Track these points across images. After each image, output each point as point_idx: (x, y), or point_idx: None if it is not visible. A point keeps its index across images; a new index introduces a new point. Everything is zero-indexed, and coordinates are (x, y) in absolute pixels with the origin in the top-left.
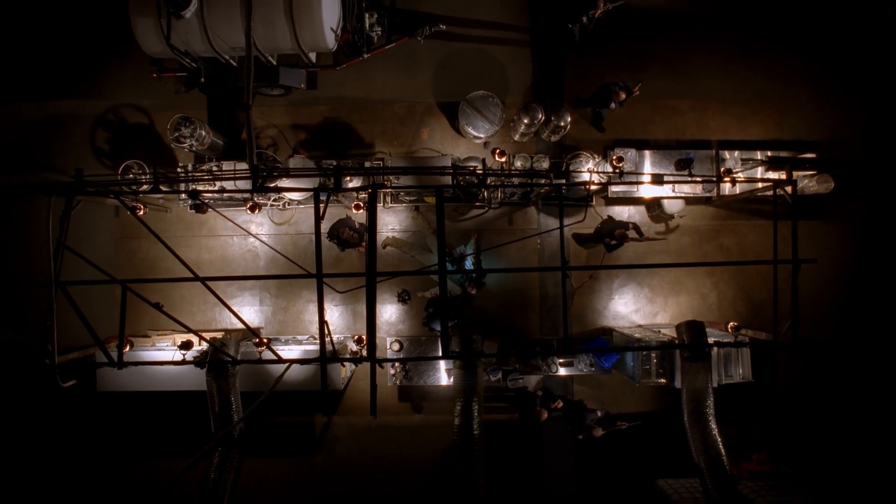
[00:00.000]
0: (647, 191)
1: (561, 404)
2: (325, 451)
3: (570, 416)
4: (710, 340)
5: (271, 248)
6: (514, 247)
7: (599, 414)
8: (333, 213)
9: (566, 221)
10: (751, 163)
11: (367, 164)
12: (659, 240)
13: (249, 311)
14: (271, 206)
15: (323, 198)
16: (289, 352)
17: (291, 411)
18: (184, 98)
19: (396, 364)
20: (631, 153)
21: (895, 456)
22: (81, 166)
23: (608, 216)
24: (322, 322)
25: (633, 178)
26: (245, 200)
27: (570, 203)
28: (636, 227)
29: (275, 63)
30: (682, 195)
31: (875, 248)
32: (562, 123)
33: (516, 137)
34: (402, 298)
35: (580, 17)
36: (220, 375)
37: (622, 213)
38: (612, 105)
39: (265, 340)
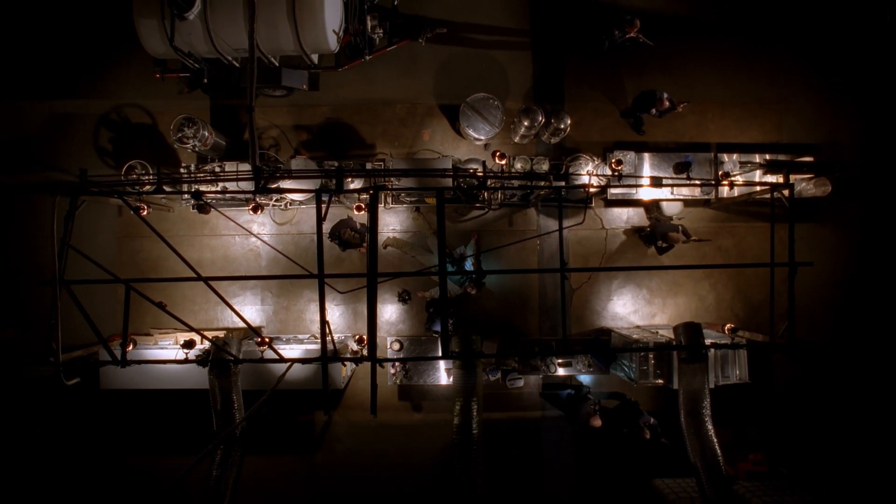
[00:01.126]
0: (647, 193)
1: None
2: (325, 449)
3: (622, 414)
4: (708, 342)
5: (273, 248)
6: (513, 248)
7: (652, 421)
8: (335, 214)
9: (565, 223)
10: (749, 166)
11: (369, 166)
12: (705, 241)
13: (251, 310)
14: (273, 206)
15: (325, 199)
16: (290, 351)
17: (292, 410)
18: (187, 98)
19: (396, 363)
20: (630, 156)
21: (891, 457)
22: (84, 165)
23: (655, 218)
24: (323, 322)
25: (632, 181)
26: (247, 201)
27: (570, 205)
28: (684, 230)
29: (277, 64)
30: (681, 198)
31: (872, 252)
32: (562, 126)
33: (516, 139)
34: (403, 298)
35: (612, 31)
36: (223, 374)
37: (621, 214)
38: (653, 111)
39: (267, 339)
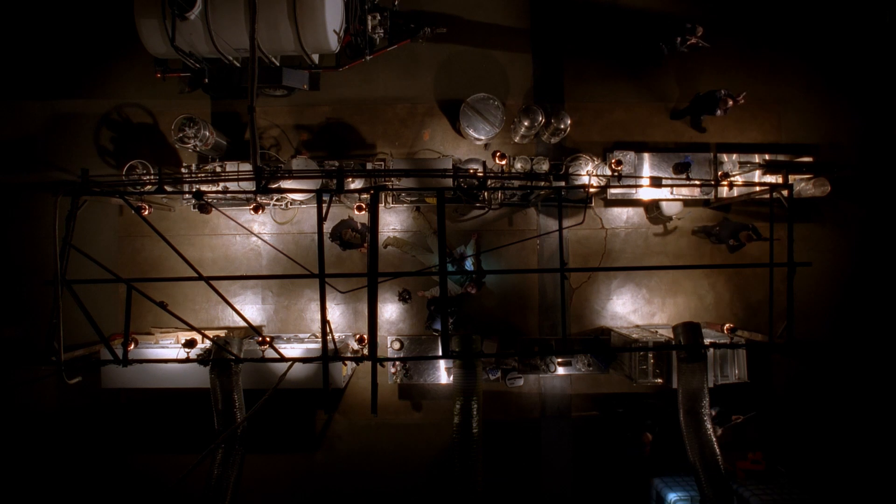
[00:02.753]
0: (646, 193)
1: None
2: (325, 448)
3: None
4: (707, 341)
5: (274, 247)
6: (513, 247)
7: (713, 412)
8: (335, 213)
9: (565, 223)
10: (748, 166)
11: (369, 166)
12: (776, 240)
13: (252, 309)
14: (274, 205)
15: (325, 199)
16: (291, 350)
17: (293, 409)
18: (187, 98)
19: (397, 363)
20: (630, 156)
21: (888, 456)
22: (86, 165)
23: (725, 217)
24: (324, 321)
25: (632, 181)
26: (248, 200)
27: (570, 205)
28: (754, 228)
29: (278, 64)
30: (681, 197)
31: (870, 251)
32: (561, 126)
33: (516, 139)
34: (403, 298)
35: (673, 39)
36: (224, 373)
37: (620, 214)
38: (718, 112)
39: (268, 339)
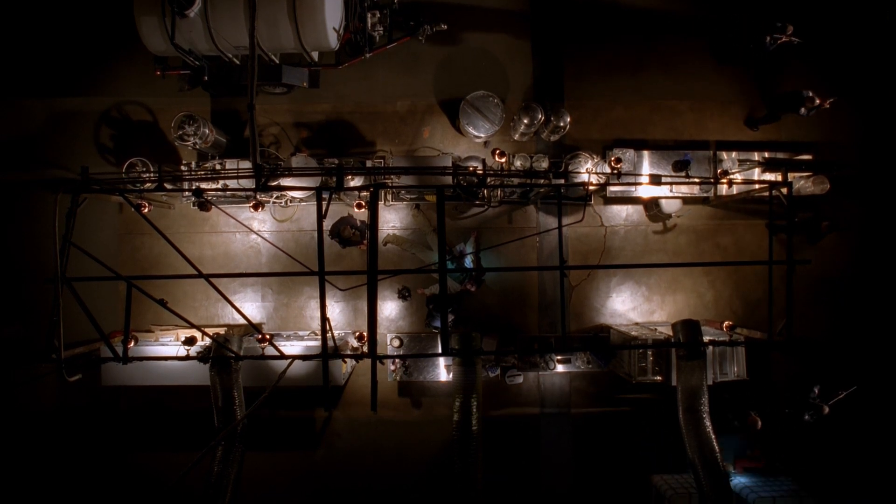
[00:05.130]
0: (646, 191)
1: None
2: (325, 445)
3: (789, 399)
4: (706, 339)
5: (273, 245)
6: (513, 245)
7: (817, 391)
8: (335, 211)
9: (565, 220)
10: (748, 164)
11: (369, 164)
12: (846, 229)
13: (251, 306)
14: (274, 203)
15: (325, 196)
16: (290, 347)
17: (292, 406)
18: (187, 96)
19: (396, 360)
20: (629, 153)
21: (886, 453)
22: (86, 163)
23: (803, 209)
24: (324, 319)
25: (631, 179)
26: (248, 198)
27: (569, 202)
28: (832, 222)
29: (277, 62)
30: (680, 195)
31: (870, 249)
32: (561, 124)
33: (516, 137)
34: (403, 295)
35: (762, 39)
36: (224, 371)
37: (620, 212)
38: (802, 111)
39: (267, 336)
